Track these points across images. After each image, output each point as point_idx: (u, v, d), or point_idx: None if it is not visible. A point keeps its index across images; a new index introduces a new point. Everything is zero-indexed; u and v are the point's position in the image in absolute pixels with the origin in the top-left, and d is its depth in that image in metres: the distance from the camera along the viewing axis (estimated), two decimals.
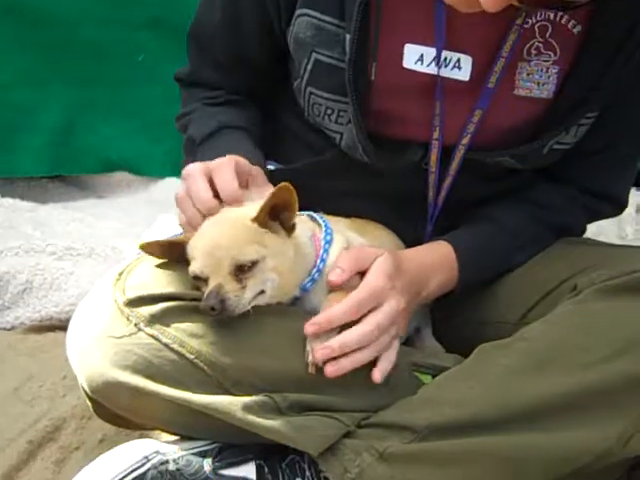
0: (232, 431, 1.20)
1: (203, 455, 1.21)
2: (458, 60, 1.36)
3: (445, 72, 1.36)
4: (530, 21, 1.34)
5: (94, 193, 2.66)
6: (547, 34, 1.36)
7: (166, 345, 1.19)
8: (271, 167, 1.48)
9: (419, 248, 1.45)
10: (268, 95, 1.57)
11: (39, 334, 1.88)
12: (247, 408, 1.18)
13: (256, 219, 1.22)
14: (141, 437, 1.42)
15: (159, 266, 1.27)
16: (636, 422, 1.22)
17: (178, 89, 1.66)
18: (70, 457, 1.45)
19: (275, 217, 1.24)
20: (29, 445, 1.47)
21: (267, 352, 1.23)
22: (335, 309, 1.23)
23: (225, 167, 1.26)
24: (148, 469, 1.15)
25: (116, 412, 1.25)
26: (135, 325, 1.19)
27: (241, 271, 1.18)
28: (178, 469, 1.16)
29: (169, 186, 2.63)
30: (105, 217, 2.34)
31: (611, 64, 1.36)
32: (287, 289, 1.26)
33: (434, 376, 1.35)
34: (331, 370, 1.21)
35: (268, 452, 1.24)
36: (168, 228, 1.91)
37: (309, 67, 1.38)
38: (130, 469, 1.14)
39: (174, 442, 1.23)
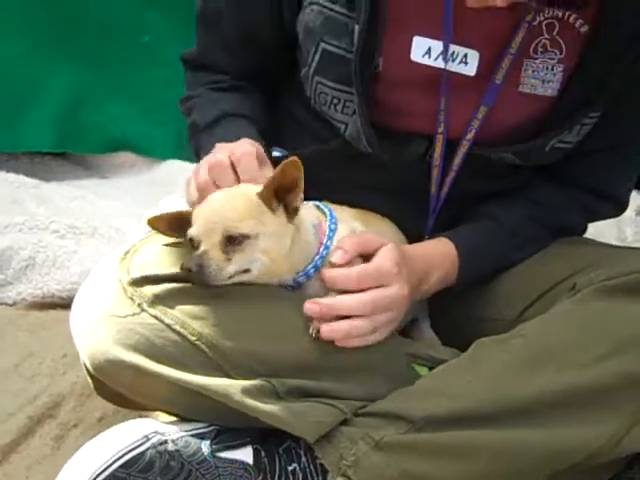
0: (230, 414, 1.21)
1: (201, 437, 1.22)
2: (465, 55, 1.37)
3: (452, 66, 1.37)
4: (538, 18, 1.35)
5: (97, 173, 2.66)
6: (554, 32, 1.37)
7: (168, 326, 1.20)
8: (277, 154, 1.49)
9: (422, 243, 1.46)
10: (275, 81, 1.57)
11: (40, 311, 1.88)
12: (246, 391, 1.19)
13: (261, 194, 1.22)
14: (140, 417, 1.43)
15: (164, 247, 1.28)
16: (629, 422, 1.24)
17: (183, 71, 1.66)
18: (68, 434, 1.46)
19: (280, 199, 1.24)
20: (28, 421, 1.48)
21: (267, 337, 1.24)
22: (336, 271, 1.25)
23: (250, 160, 1.26)
24: (147, 448, 1.15)
25: (116, 391, 1.26)
26: (138, 305, 1.21)
27: (231, 243, 1.19)
28: (177, 450, 1.17)
29: (172, 168, 2.64)
30: (108, 197, 2.35)
31: (616, 65, 1.37)
32: (277, 274, 1.26)
33: (431, 368, 1.36)
34: (326, 329, 1.23)
35: (265, 437, 1.26)
36: (172, 209, 1.92)
37: (317, 57, 1.39)
38: (129, 447, 1.15)
39: (173, 423, 1.24)
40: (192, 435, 1.21)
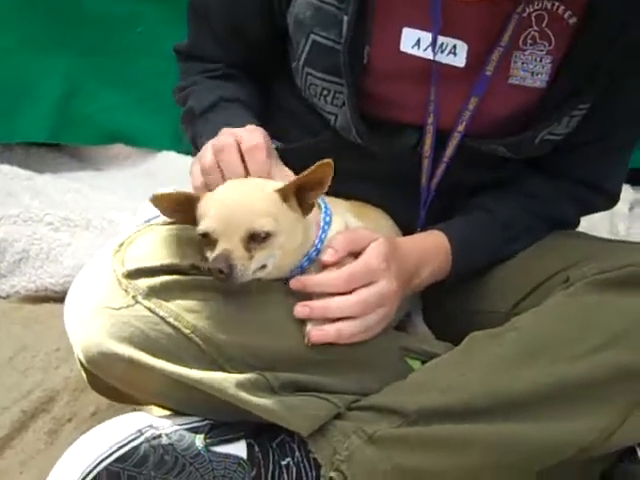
0: (224, 408, 1.21)
1: (195, 431, 1.21)
2: (454, 46, 1.37)
3: (441, 58, 1.37)
4: (527, 10, 1.35)
5: (92, 165, 2.64)
6: (543, 24, 1.37)
7: (163, 318, 1.20)
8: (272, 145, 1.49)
9: (414, 236, 1.46)
10: (266, 73, 1.58)
11: (34, 304, 1.88)
12: (240, 385, 1.19)
13: (282, 191, 1.22)
14: (134, 412, 1.43)
15: (158, 238, 1.27)
16: (621, 415, 1.24)
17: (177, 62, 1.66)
18: (62, 429, 1.46)
19: (298, 196, 1.24)
20: (22, 415, 1.48)
21: (262, 330, 1.24)
22: (326, 275, 1.25)
23: (261, 153, 1.26)
24: (141, 442, 1.15)
25: (110, 385, 1.26)
26: (133, 297, 1.20)
27: (253, 240, 1.19)
28: (171, 444, 1.17)
29: (167, 159, 2.63)
30: (102, 189, 2.34)
31: (604, 56, 1.37)
32: (284, 268, 1.27)
33: (424, 362, 1.36)
34: (315, 334, 1.23)
35: (259, 431, 1.26)
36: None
37: (307, 48, 1.39)
38: (124, 442, 1.15)
39: (167, 417, 1.23)
40: (186, 429, 1.21)
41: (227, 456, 1.21)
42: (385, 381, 1.31)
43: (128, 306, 1.20)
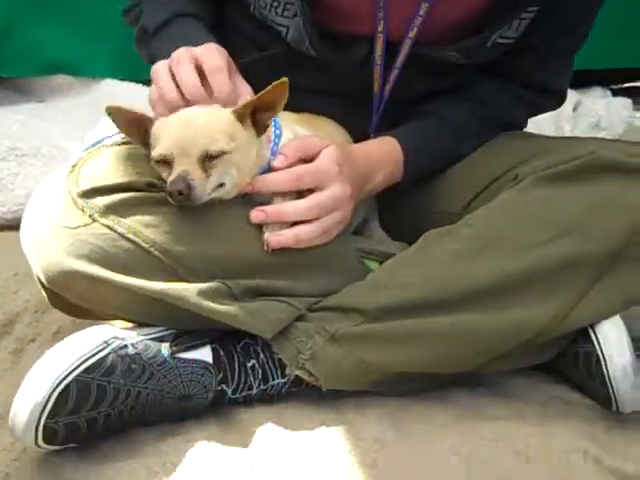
0: (187, 318, 1.23)
1: (160, 340, 1.23)
2: None
3: None
4: None
5: (35, 97, 2.61)
6: None
7: (121, 235, 1.21)
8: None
9: (366, 142, 1.47)
10: None
11: None
12: (202, 294, 1.21)
13: (237, 111, 1.22)
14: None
15: (112, 157, 1.27)
16: (573, 299, 1.29)
17: None
18: (27, 348, 1.45)
19: (253, 115, 1.24)
20: None
21: (219, 239, 1.25)
22: (274, 174, 1.27)
23: (222, 75, 1.25)
24: (108, 353, 1.17)
25: (72, 302, 1.26)
26: (90, 216, 1.20)
27: (208, 160, 1.19)
28: (137, 353, 1.19)
29: (110, 88, 2.61)
30: (48, 120, 2.31)
31: None
32: (242, 185, 1.27)
33: (381, 263, 1.39)
34: (273, 239, 1.26)
35: (223, 336, 1.28)
36: (113, 129, 1.90)
37: None
38: (91, 353, 1.16)
39: (131, 329, 1.25)
40: (151, 339, 1.23)
41: (193, 361, 1.24)
42: (344, 283, 1.34)
43: (86, 225, 1.20)
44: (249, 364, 1.28)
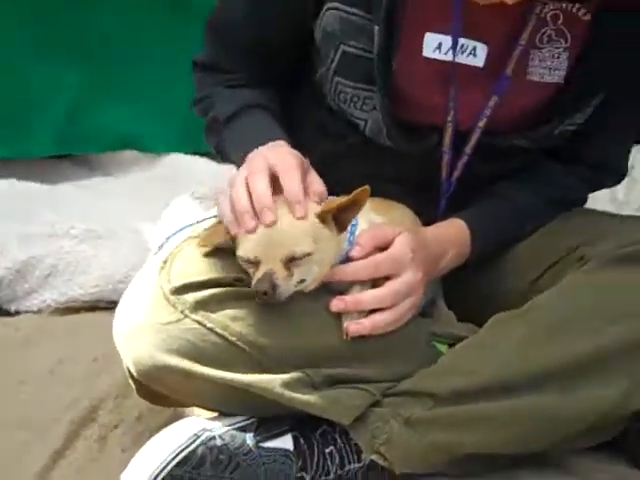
0: (268, 406, 1.28)
1: (244, 430, 1.28)
2: (474, 48, 1.42)
3: (461, 59, 1.43)
4: (544, 10, 1.41)
5: (103, 172, 2.69)
6: (559, 22, 1.42)
7: (210, 329, 1.26)
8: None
9: (437, 225, 1.52)
10: (284, 82, 1.61)
11: (64, 316, 1.93)
12: (285, 384, 1.26)
13: (321, 215, 1.28)
14: (175, 414, 1.49)
15: (199, 254, 1.33)
16: (637, 379, 1.32)
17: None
18: (110, 435, 1.50)
19: (335, 216, 1.30)
20: (71, 425, 1.51)
21: (301, 330, 1.30)
22: (353, 264, 1.32)
23: (293, 171, 1.28)
24: (198, 445, 1.22)
25: (155, 390, 1.32)
26: (181, 312, 1.26)
27: (292, 260, 1.25)
28: (224, 444, 1.24)
29: (174, 161, 2.68)
30: (118, 195, 2.38)
31: (618, 50, 1.42)
32: (321, 278, 1.32)
33: (450, 345, 1.43)
34: (352, 327, 1.30)
35: (301, 424, 1.33)
36: (185, 209, 1.98)
37: (337, 58, 1.44)
38: (183, 447, 1.21)
39: (216, 419, 1.30)
40: (236, 429, 1.28)
41: (275, 450, 1.28)
42: (416, 366, 1.38)
43: (177, 320, 1.26)
44: (327, 450, 1.32)
